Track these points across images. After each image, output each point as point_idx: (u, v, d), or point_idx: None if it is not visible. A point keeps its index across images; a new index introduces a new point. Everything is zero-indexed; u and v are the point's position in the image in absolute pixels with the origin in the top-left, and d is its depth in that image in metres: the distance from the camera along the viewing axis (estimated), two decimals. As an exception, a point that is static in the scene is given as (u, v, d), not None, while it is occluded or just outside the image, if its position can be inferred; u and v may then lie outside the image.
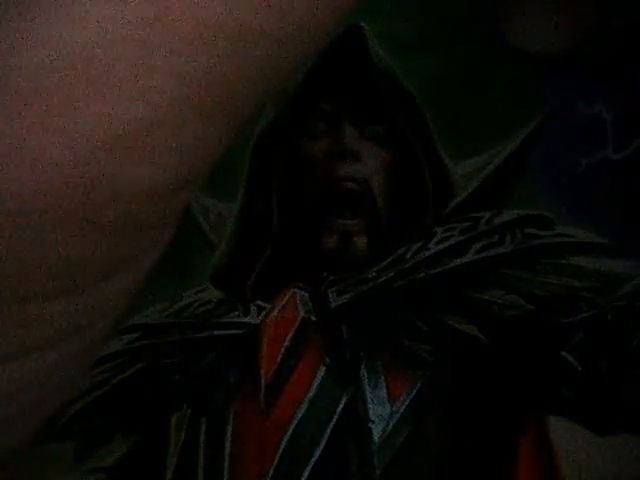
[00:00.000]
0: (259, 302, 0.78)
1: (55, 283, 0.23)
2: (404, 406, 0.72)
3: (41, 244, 0.22)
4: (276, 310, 0.77)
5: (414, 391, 0.72)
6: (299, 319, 0.75)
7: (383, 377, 0.73)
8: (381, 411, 0.72)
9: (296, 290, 0.77)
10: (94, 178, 0.22)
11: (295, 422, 0.72)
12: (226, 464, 0.73)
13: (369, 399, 0.72)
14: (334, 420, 0.72)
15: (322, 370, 0.74)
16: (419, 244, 0.76)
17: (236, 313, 0.78)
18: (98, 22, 0.22)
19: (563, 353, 0.72)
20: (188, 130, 0.22)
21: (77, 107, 0.22)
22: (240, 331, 0.77)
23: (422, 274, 0.74)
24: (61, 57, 0.22)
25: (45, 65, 0.22)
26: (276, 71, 0.23)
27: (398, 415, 0.72)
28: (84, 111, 0.22)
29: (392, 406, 0.72)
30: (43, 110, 0.22)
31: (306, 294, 0.77)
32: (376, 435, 0.71)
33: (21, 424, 0.26)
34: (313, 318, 0.75)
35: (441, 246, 0.75)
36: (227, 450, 0.74)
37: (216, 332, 0.78)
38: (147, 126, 0.22)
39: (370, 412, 0.72)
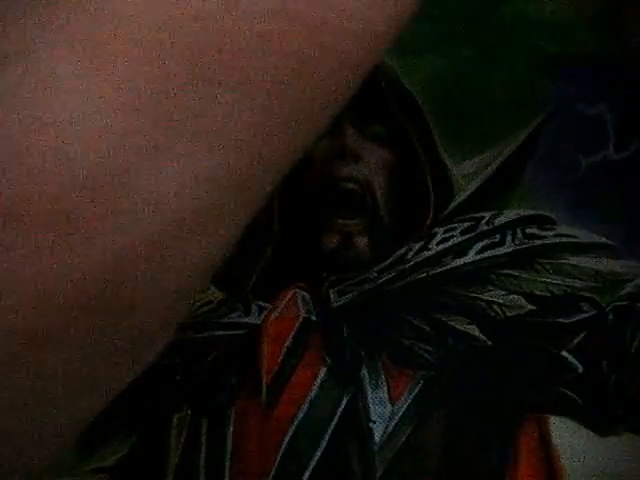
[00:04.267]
0: (260, 302, 0.78)
1: None
2: (405, 406, 0.72)
3: None
4: (277, 310, 0.77)
5: (415, 391, 0.72)
6: (300, 319, 0.75)
7: (384, 377, 0.73)
8: (382, 411, 0.72)
9: (297, 290, 0.77)
10: None
11: (296, 422, 0.72)
12: (227, 464, 0.73)
13: (370, 399, 0.72)
14: (335, 420, 0.72)
15: (323, 370, 0.74)
16: (420, 244, 0.76)
17: (237, 313, 0.78)
18: None
19: (563, 353, 0.73)
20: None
21: None
22: (241, 331, 0.77)
23: (423, 274, 0.74)
24: None
25: None
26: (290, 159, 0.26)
27: (399, 415, 0.72)
28: None
29: (393, 406, 0.72)
30: None
31: (307, 294, 0.77)
32: (377, 435, 0.71)
33: None
34: (314, 318, 0.76)
35: (442, 246, 0.75)
36: (228, 450, 0.74)
37: (217, 332, 0.78)
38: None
39: (371, 412, 0.72)
